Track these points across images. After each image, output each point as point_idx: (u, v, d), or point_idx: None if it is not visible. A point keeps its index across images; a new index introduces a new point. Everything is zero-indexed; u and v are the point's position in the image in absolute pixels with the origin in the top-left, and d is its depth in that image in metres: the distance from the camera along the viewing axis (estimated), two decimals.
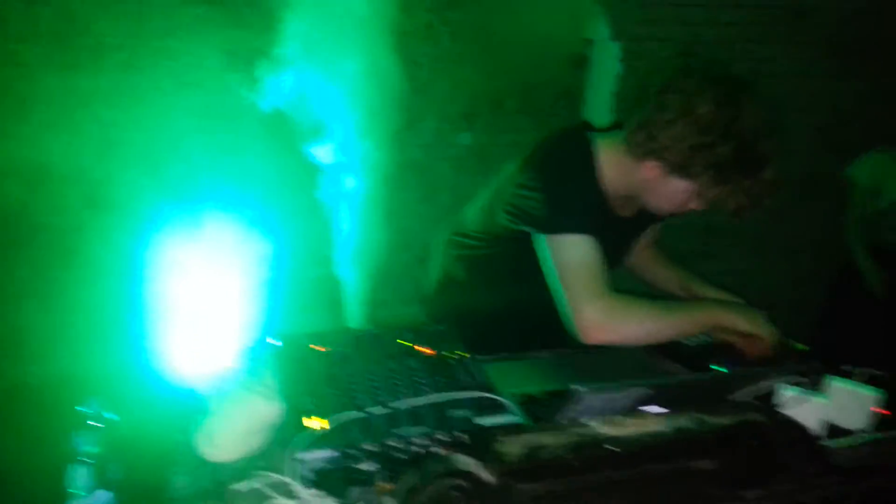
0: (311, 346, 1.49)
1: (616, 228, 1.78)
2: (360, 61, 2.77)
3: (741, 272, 4.02)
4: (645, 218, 1.78)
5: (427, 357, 1.48)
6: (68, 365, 2.71)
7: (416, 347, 1.51)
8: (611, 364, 1.77)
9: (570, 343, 1.72)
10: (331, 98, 2.87)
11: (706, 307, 1.71)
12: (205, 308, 1.51)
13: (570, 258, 1.55)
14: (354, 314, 3.08)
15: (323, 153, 2.93)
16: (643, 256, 2.09)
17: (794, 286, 4.11)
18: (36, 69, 2.78)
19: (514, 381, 1.63)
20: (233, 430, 1.31)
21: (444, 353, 1.49)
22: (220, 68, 2.89)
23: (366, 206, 3.01)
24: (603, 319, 1.54)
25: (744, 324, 1.63)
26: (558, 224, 1.57)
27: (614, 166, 1.68)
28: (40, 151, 2.85)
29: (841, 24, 3.69)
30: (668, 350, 1.80)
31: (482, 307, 1.83)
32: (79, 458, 1.32)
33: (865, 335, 3.28)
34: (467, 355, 1.48)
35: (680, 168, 1.54)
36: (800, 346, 1.81)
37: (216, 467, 1.28)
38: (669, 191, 1.59)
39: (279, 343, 1.47)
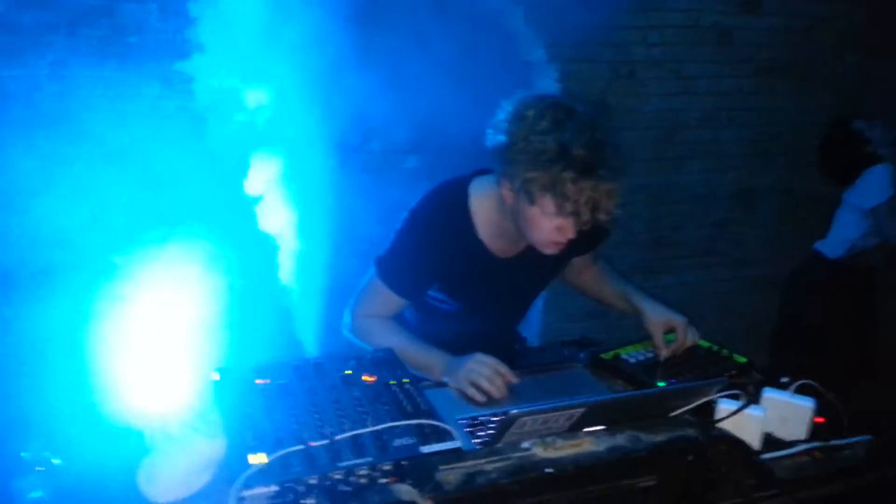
0: (256, 380, 1.48)
1: (497, 271, 1.86)
2: (300, 87, 2.79)
3: (690, 284, 4.11)
4: (530, 256, 1.81)
5: (370, 385, 1.48)
6: (9, 407, 2.63)
7: (361, 377, 1.51)
8: (556, 384, 1.80)
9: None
10: (275, 124, 2.87)
11: (436, 363, 1.77)
12: (149, 346, 1.49)
13: (372, 287, 1.87)
14: (308, 342, 3.07)
15: (269, 180, 2.93)
16: (586, 276, 2.13)
17: (741, 296, 4.21)
18: None
19: (460, 405, 1.64)
20: (175, 470, 1.29)
21: (387, 381, 1.49)
22: (157, 96, 2.87)
23: (317, 232, 3.02)
24: (352, 327, 1.93)
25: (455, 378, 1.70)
26: (382, 271, 1.84)
27: (489, 208, 1.79)
28: None
29: (762, 43, 3.84)
30: (611, 367, 1.83)
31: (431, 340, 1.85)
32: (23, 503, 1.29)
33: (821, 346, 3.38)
34: (408, 381, 1.48)
35: (525, 193, 1.61)
36: (739, 357, 1.86)
37: None
38: (527, 217, 1.65)
39: (220, 378, 1.46)
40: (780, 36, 3.84)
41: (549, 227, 1.63)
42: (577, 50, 3.35)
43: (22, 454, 1.40)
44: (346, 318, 1.94)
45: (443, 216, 1.81)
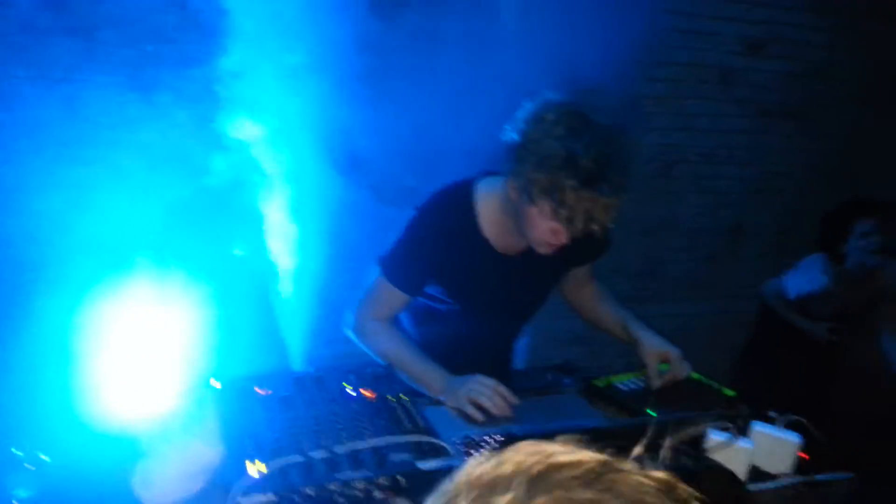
0: (255, 388, 1.50)
1: (499, 268, 1.90)
2: (304, 104, 2.83)
3: (677, 317, 4.15)
4: (532, 256, 1.83)
5: (369, 400, 1.50)
6: (2, 405, 2.63)
7: (360, 391, 1.54)
8: (550, 408, 1.82)
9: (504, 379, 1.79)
10: (279, 138, 2.91)
11: (435, 379, 1.77)
12: (144, 348, 1.51)
13: (376, 286, 1.89)
14: (299, 353, 3.07)
15: (269, 192, 2.96)
16: (582, 296, 2.16)
17: (726, 330, 4.24)
18: None
19: (456, 424, 1.66)
20: (170, 474, 1.30)
21: (385, 395, 1.52)
22: (168, 104, 2.89)
23: (311, 247, 3.04)
24: (356, 328, 1.92)
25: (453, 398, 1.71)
26: (386, 267, 1.86)
27: (493, 205, 1.83)
28: None
29: (764, 85, 3.91)
30: (604, 394, 1.86)
31: (426, 349, 1.87)
32: (11, 500, 1.30)
33: (784, 379, 3.34)
34: (407, 398, 1.51)
35: (526, 192, 1.65)
36: (728, 391, 1.89)
37: None
38: (526, 214, 1.70)
39: (220, 385, 1.47)
40: (783, 80, 3.92)
41: (543, 227, 1.67)
42: (581, 81, 3.40)
43: (12, 450, 1.41)
44: (349, 318, 1.94)
45: (447, 211, 1.85)
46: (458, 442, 1.54)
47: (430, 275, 1.89)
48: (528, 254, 1.85)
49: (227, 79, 2.87)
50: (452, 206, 1.86)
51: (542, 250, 1.76)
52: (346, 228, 3.09)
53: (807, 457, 1.53)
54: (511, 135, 1.68)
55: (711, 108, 3.82)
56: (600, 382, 1.90)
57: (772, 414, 1.62)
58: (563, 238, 1.69)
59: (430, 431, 1.40)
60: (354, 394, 1.52)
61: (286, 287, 3.08)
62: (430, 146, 3.13)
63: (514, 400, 1.70)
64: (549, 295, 2.11)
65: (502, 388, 1.70)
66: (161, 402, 1.41)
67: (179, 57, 2.85)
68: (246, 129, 2.95)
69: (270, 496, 1.20)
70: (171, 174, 2.95)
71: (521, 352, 3.81)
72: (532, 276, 1.97)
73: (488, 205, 1.84)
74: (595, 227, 1.63)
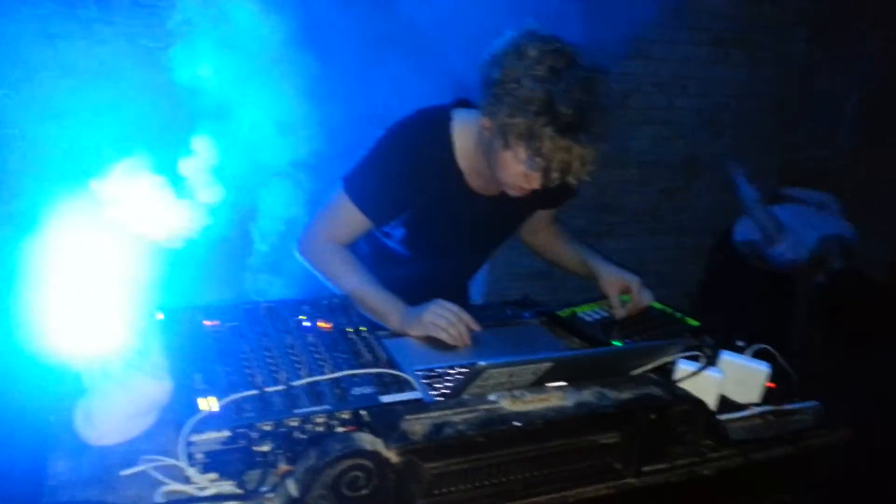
0: (204, 321, 1.40)
1: (473, 208, 1.81)
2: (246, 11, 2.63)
3: (632, 250, 4.15)
4: (500, 200, 1.77)
5: (326, 332, 1.42)
6: None
7: (317, 322, 1.45)
8: (513, 339, 1.77)
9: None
10: (216, 50, 2.71)
11: (393, 310, 1.70)
12: (89, 280, 1.40)
13: (336, 206, 1.76)
14: (258, 284, 2.95)
15: (211, 115, 2.78)
16: (543, 236, 2.10)
17: (680, 263, 4.28)
18: None
19: (417, 356, 1.60)
20: (116, 412, 1.21)
21: (343, 328, 1.44)
22: (92, 19, 2.67)
23: (264, 170, 2.89)
24: (307, 248, 1.80)
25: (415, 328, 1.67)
26: (350, 186, 1.74)
27: (469, 141, 1.72)
28: None
29: (717, 12, 3.85)
30: (568, 325, 1.82)
31: (384, 280, 1.79)
32: None
33: (743, 310, 3.40)
34: (364, 329, 1.43)
35: (501, 135, 1.56)
36: (692, 321, 1.87)
37: (101, 452, 1.18)
38: (499, 156, 1.61)
39: (165, 318, 1.37)
40: (735, 7, 3.85)
41: (517, 171, 1.59)
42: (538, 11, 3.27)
43: None
44: (301, 238, 1.82)
45: (424, 136, 1.73)
46: (418, 375, 1.49)
47: (399, 201, 1.77)
48: (500, 197, 1.76)
49: None
50: (429, 130, 1.74)
51: (513, 193, 1.68)
52: (302, 148, 2.93)
53: (774, 385, 1.52)
54: (491, 69, 1.56)
55: (666, 35, 3.73)
56: (564, 313, 1.85)
57: (739, 343, 1.60)
58: (535, 185, 1.61)
59: (391, 364, 1.33)
60: (310, 325, 1.43)
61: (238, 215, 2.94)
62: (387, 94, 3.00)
63: (476, 327, 1.66)
64: (511, 236, 2.05)
65: (465, 315, 1.65)
66: (105, 336, 1.31)
67: None
68: (181, 47, 2.74)
69: (225, 433, 1.11)
70: (99, 96, 2.74)
71: (480, 286, 3.79)
72: (500, 219, 1.90)
73: (465, 138, 1.73)
74: (571, 179, 1.55)
